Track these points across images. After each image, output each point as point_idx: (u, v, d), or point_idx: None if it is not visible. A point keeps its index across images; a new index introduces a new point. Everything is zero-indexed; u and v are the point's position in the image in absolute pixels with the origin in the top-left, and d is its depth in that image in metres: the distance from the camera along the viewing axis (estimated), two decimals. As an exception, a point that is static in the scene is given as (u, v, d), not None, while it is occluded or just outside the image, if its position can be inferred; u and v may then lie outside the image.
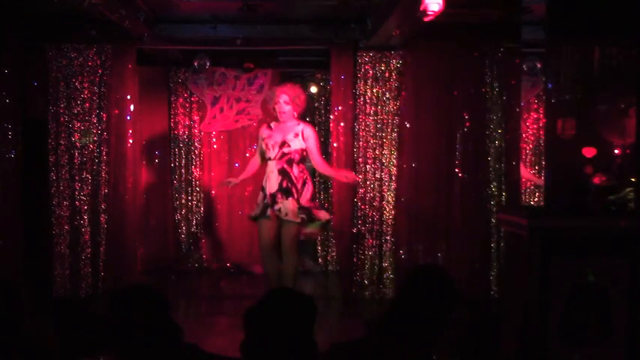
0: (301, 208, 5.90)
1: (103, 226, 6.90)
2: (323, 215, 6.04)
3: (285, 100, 5.94)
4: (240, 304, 6.46)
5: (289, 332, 2.45)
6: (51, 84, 6.85)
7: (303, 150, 5.95)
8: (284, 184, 5.89)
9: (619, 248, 3.92)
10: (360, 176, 6.99)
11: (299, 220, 5.89)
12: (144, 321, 2.51)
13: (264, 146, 6.01)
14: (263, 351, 2.44)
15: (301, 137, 5.94)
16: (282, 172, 5.90)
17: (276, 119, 6.07)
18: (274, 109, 6.03)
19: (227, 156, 8.56)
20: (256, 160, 6.23)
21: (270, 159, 5.96)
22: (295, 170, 5.93)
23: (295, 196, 5.89)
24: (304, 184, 5.96)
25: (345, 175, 6.30)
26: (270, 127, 6.07)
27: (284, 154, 5.92)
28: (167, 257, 8.61)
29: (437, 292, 2.77)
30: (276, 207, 5.86)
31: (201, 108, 8.56)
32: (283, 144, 5.93)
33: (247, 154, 8.50)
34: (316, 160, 6.04)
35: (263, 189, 6.01)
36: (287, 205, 5.85)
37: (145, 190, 8.40)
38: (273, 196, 5.88)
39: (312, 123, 8.96)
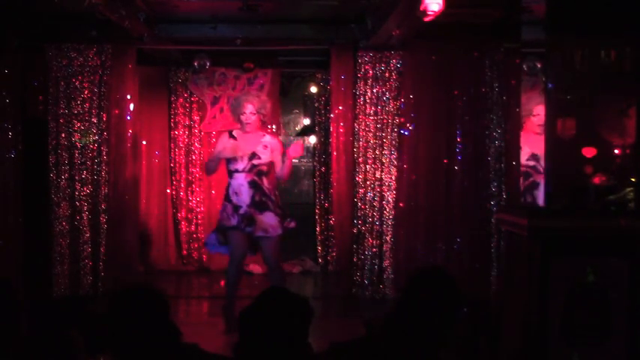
0: (285, 216, 5.80)
1: (103, 226, 6.90)
2: (294, 226, 5.89)
3: (252, 111, 5.76)
4: (240, 304, 6.46)
5: (283, 333, 2.44)
6: (51, 84, 6.86)
7: (271, 162, 5.80)
8: (257, 198, 5.71)
9: (619, 248, 3.92)
10: (360, 176, 7.00)
11: (281, 232, 5.75)
12: (145, 321, 2.51)
13: (230, 157, 5.75)
14: (256, 352, 2.44)
15: (269, 149, 5.77)
16: (254, 185, 5.72)
17: (241, 128, 5.87)
18: (240, 119, 5.81)
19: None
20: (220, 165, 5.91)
21: (236, 171, 5.73)
22: (265, 182, 5.77)
23: (272, 207, 5.73)
24: (276, 194, 5.84)
25: (292, 150, 5.81)
26: (233, 137, 5.82)
27: (254, 167, 5.74)
28: (167, 257, 8.62)
29: (440, 294, 2.76)
30: (252, 226, 5.68)
31: (201, 108, 8.56)
32: (253, 156, 5.75)
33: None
34: (279, 170, 5.84)
35: (230, 201, 5.75)
36: (266, 220, 5.69)
37: (145, 190, 8.40)
38: (245, 211, 5.69)
39: (312, 123, 9.01)
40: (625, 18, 4.18)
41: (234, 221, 5.74)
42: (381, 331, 2.78)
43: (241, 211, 5.72)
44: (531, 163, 6.03)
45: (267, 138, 5.84)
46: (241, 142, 5.79)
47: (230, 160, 5.76)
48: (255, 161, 5.75)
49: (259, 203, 5.71)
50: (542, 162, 6.07)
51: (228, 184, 5.85)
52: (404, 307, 2.78)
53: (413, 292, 2.80)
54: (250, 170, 5.74)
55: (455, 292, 2.78)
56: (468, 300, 6.33)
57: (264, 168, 5.77)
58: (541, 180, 5.99)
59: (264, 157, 5.76)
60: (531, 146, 5.84)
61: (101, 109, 6.90)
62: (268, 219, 5.70)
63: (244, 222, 5.71)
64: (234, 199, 5.76)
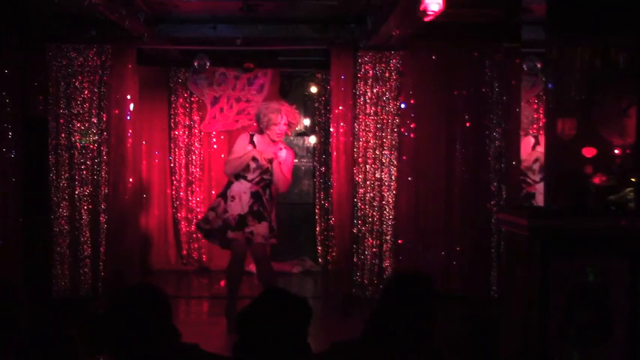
0: (272, 230, 5.89)
1: (103, 226, 6.90)
2: (273, 242, 6.02)
3: (285, 123, 5.83)
4: (241, 303, 6.46)
5: (282, 334, 2.44)
6: (51, 84, 6.85)
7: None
8: (255, 207, 5.77)
9: (619, 248, 3.92)
10: (360, 176, 7.00)
11: (267, 243, 5.88)
12: (146, 321, 2.51)
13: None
14: (255, 352, 2.44)
15: (282, 164, 5.83)
16: (255, 196, 5.79)
17: (259, 131, 5.93)
18: (270, 128, 5.82)
19: (227, 156, 8.56)
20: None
21: (245, 178, 5.81)
22: (267, 194, 5.87)
23: (267, 219, 5.81)
24: (271, 206, 5.94)
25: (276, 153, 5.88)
26: (253, 143, 5.85)
27: (262, 180, 5.83)
28: (167, 257, 8.62)
29: (415, 294, 2.78)
30: (247, 230, 5.74)
31: (201, 108, 8.56)
32: (266, 171, 5.82)
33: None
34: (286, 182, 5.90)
35: (225, 201, 5.81)
36: (261, 229, 5.76)
37: (145, 190, 8.41)
38: (242, 217, 5.74)
39: (312, 123, 9.01)
40: (625, 18, 4.18)
41: (217, 223, 5.82)
42: (366, 332, 2.81)
43: (226, 216, 5.77)
44: (520, 177, 6.06)
45: (283, 153, 5.86)
46: (259, 149, 5.83)
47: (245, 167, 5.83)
48: (266, 176, 5.83)
49: (257, 213, 5.77)
50: (531, 174, 6.13)
51: (229, 184, 5.88)
52: (382, 309, 2.80)
53: (389, 294, 2.82)
54: (258, 182, 5.82)
55: (430, 292, 2.79)
56: (468, 300, 6.36)
57: (269, 181, 5.88)
58: (534, 190, 6.02)
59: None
60: None
61: (101, 109, 6.90)
62: (263, 229, 5.78)
63: (229, 227, 5.76)
64: (228, 201, 5.81)
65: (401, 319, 2.73)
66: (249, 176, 5.80)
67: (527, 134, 6.59)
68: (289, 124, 5.88)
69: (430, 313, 2.77)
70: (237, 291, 5.89)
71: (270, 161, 5.81)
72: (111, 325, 2.53)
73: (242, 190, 5.79)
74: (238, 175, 5.82)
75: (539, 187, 6.01)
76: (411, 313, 2.73)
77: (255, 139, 5.90)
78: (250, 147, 5.85)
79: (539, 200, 5.90)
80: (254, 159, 5.80)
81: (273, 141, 5.87)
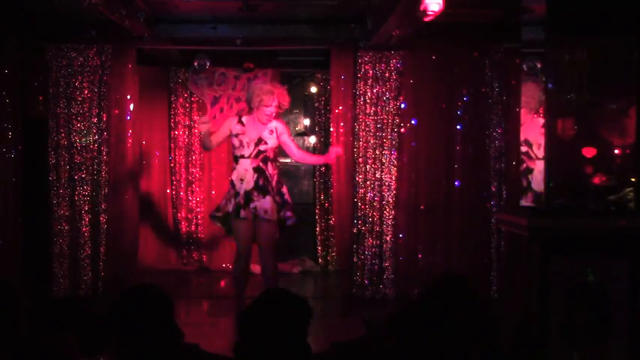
0: (283, 204, 5.89)
1: (103, 226, 6.90)
2: (290, 215, 5.97)
3: (276, 105, 5.86)
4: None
5: (282, 334, 2.44)
6: (51, 84, 6.86)
7: (276, 147, 5.92)
8: (260, 182, 5.80)
9: (619, 248, 3.92)
10: (361, 176, 7.00)
11: (276, 218, 5.85)
12: (149, 321, 2.51)
13: (236, 143, 5.88)
14: (255, 352, 2.44)
15: (275, 134, 5.88)
16: (258, 170, 5.82)
17: (248, 113, 5.99)
18: (260, 107, 5.84)
19: (227, 156, 8.54)
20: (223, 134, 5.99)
21: (242, 156, 5.84)
22: (270, 168, 5.88)
23: (272, 193, 5.82)
24: (278, 181, 5.93)
25: (333, 155, 6.08)
26: (241, 123, 5.92)
27: (260, 152, 5.85)
28: (167, 257, 8.61)
29: (461, 306, 2.73)
30: (252, 205, 5.76)
31: (201, 108, 8.55)
32: (260, 141, 5.85)
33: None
34: (295, 152, 6.02)
35: (233, 185, 5.86)
36: (264, 204, 5.77)
37: (145, 189, 8.40)
38: (248, 193, 5.78)
39: (313, 123, 9.02)
40: (625, 18, 4.18)
41: (230, 207, 5.84)
42: (387, 331, 2.78)
43: (238, 198, 5.80)
44: (524, 149, 6.03)
45: (273, 123, 5.91)
46: (249, 127, 5.89)
47: (236, 146, 5.87)
48: (262, 147, 5.85)
49: (262, 187, 5.79)
50: (535, 148, 6.12)
51: (233, 169, 5.95)
52: (420, 311, 2.75)
53: (433, 299, 2.76)
54: (257, 156, 5.84)
55: (476, 305, 2.74)
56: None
57: (270, 154, 5.88)
58: (534, 165, 6.01)
59: (271, 143, 5.87)
60: (523, 132, 5.84)
61: (101, 109, 6.90)
62: (266, 203, 5.78)
63: (240, 207, 5.77)
64: (237, 185, 5.85)
65: (443, 323, 2.66)
66: (246, 152, 5.85)
67: (536, 115, 6.56)
68: (279, 106, 5.91)
69: (474, 320, 2.72)
70: (244, 289, 5.91)
71: (259, 142, 5.84)
72: (114, 325, 2.53)
73: (245, 167, 5.83)
74: (236, 158, 5.89)
75: (540, 165, 5.99)
76: (454, 319, 2.67)
77: (244, 119, 5.94)
78: (239, 127, 5.89)
79: (537, 178, 5.87)
80: (236, 135, 5.86)
81: (263, 123, 5.88)
